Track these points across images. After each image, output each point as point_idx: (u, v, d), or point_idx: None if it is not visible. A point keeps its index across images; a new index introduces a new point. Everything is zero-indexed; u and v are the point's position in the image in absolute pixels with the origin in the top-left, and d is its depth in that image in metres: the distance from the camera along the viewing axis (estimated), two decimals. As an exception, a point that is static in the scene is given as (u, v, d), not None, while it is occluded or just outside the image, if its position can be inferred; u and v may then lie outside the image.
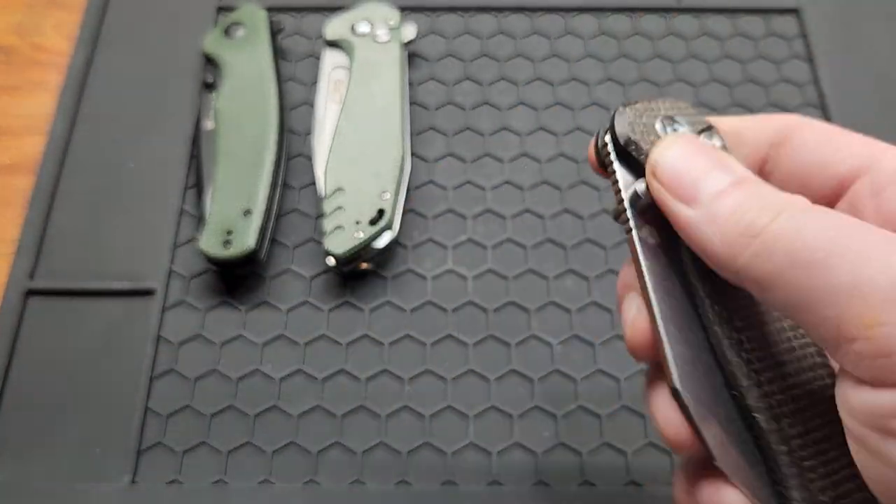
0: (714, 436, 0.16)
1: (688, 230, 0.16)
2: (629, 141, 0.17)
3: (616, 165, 0.18)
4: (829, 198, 0.19)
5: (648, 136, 0.18)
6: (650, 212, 0.17)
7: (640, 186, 0.17)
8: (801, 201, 0.15)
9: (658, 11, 0.40)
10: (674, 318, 0.17)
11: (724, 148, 0.18)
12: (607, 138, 0.18)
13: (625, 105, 0.18)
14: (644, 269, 0.17)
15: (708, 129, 0.18)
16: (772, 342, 0.17)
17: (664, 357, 0.17)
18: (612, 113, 0.18)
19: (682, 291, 0.17)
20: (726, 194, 0.16)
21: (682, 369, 0.16)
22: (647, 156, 0.17)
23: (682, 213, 0.16)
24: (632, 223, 0.17)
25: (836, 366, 0.16)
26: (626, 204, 0.18)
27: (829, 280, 0.14)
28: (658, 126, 0.18)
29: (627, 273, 0.19)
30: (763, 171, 0.19)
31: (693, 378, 0.16)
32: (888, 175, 0.18)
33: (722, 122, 0.19)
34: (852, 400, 0.14)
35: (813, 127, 0.19)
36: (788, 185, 0.19)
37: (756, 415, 0.16)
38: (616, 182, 0.18)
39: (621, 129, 0.18)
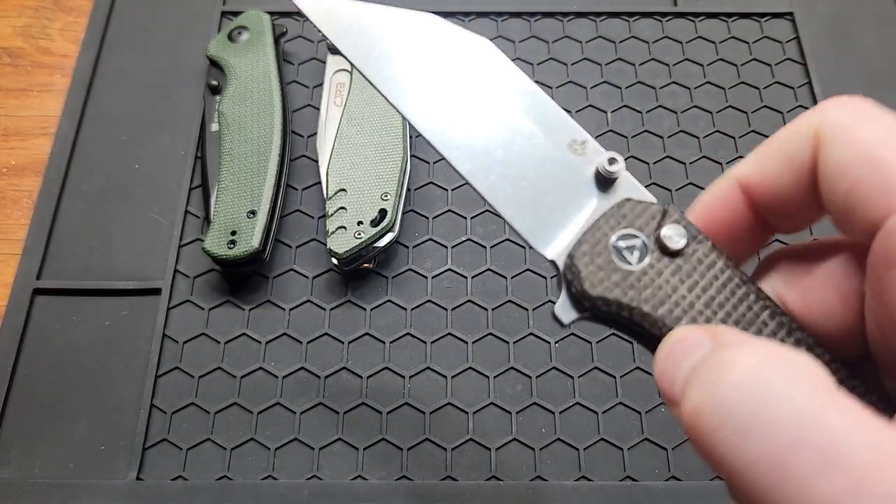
0: None
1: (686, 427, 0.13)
2: (596, 300, 0.16)
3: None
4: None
5: (610, 278, 0.16)
6: None
7: None
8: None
9: (653, 16, 0.40)
10: None
11: (686, 227, 0.17)
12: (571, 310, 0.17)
13: (570, 264, 0.17)
14: None
15: (662, 217, 0.17)
16: None
17: None
18: (565, 277, 0.17)
19: None
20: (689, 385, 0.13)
21: None
22: (618, 304, 0.16)
23: (678, 412, 0.13)
24: None
25: None
26: None
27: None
28: (615, 259, 0.17)
29: None
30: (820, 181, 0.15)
31: None
32: None
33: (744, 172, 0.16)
34: None
35: (844, 143, 0.14)
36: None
37: None
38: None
39: (586, 297, 0.16)
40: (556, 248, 0.17)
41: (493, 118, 0.18)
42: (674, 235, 0.17)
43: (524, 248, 0.34)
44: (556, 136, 0.18)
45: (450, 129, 0.18)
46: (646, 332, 0.17)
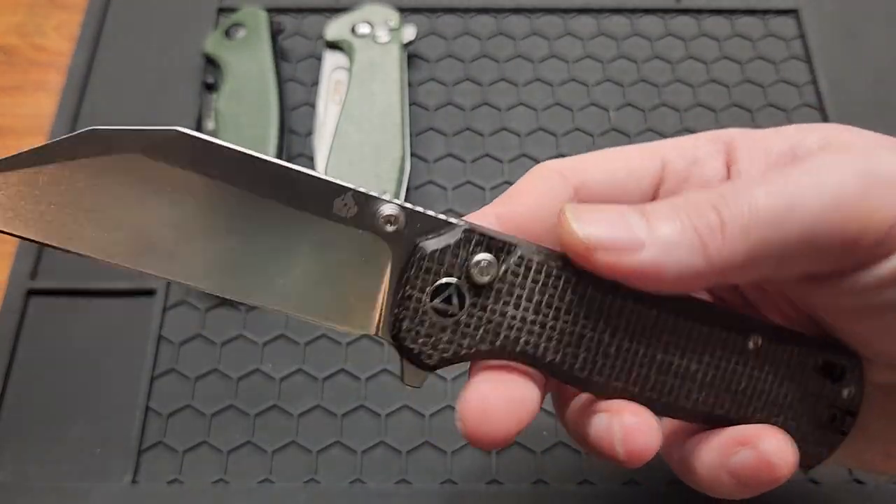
0: None
1: (653, 270, 0.16)
2: (438, 364, 0.17)
3: None
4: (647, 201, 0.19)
5: (442, 339, 0.16)
6: None
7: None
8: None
9: (656, 12, 0.40)
10: None
11: (491, 247, 0.17)
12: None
13: (401, 346, 0.17)
14: None
15: (464, 250, 0.16)
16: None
17: None
18: (401, 354, 0.17)
19: None
20: (657, 220, 0.16)
21: None
22: (458, 357, 0.17)
23: (637, 259, 0.16)
24: None
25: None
26: None
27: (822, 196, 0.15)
28: (438, 318, 0.16)
29: None
30: None
31: None
32: (683, 164, 0.19)
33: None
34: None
35: (583, 165, 0.19)
36: None
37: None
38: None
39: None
40: (374, 321, 0.16)
41: (242, 231, 0.15)
42: (482, 263, 0.16)
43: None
44: (316, 208, 0.16)
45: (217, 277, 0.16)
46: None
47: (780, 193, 0.15)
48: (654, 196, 0.20)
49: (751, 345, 0.18)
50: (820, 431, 0.19)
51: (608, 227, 0.16)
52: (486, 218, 0.18)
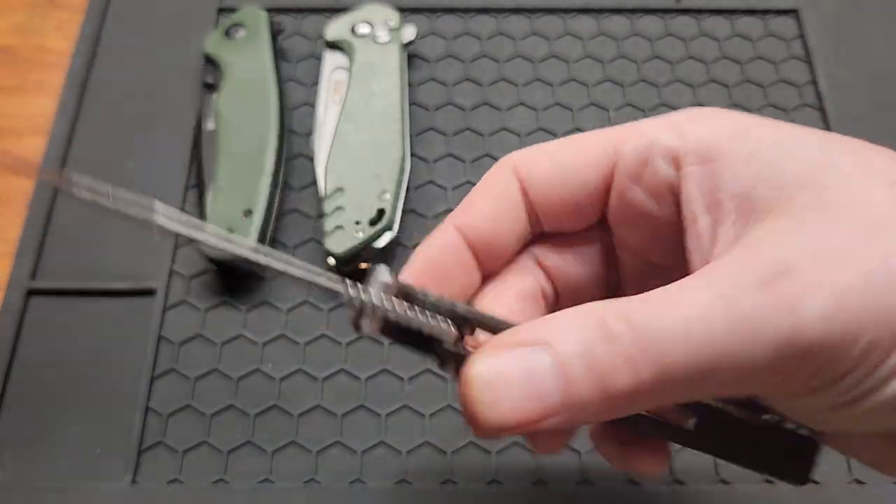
0: None
1: (556, 428, 0.15)
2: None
3: None
4: (595, 199, 0.19)
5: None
6: None
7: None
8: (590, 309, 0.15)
9: (656, 12, 0.40)
10: None
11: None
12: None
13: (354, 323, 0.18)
14: None
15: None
16: None
17: None
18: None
19: None
20: (573, 380, 0.14)
21: None
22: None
23: (545, 425, 0.15)
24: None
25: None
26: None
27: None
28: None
29: None
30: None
31: None
32: (635, 158, 0.18)
33: None
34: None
35: (536, 158, 0.19)
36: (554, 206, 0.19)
37: None
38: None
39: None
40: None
41: None
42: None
43: (525, 248, 0.34)
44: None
45: None
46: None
47: (704, 351, 0.14)
48: (605, 190, 0.19)
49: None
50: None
51: (521, 406, 0.14)
52: (447, 233, 0.19)
